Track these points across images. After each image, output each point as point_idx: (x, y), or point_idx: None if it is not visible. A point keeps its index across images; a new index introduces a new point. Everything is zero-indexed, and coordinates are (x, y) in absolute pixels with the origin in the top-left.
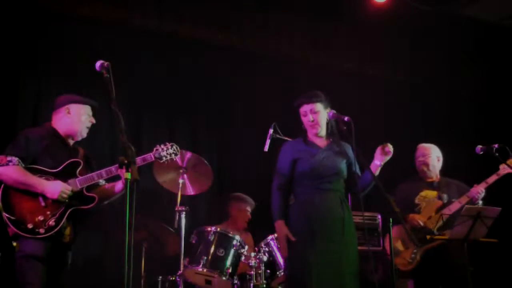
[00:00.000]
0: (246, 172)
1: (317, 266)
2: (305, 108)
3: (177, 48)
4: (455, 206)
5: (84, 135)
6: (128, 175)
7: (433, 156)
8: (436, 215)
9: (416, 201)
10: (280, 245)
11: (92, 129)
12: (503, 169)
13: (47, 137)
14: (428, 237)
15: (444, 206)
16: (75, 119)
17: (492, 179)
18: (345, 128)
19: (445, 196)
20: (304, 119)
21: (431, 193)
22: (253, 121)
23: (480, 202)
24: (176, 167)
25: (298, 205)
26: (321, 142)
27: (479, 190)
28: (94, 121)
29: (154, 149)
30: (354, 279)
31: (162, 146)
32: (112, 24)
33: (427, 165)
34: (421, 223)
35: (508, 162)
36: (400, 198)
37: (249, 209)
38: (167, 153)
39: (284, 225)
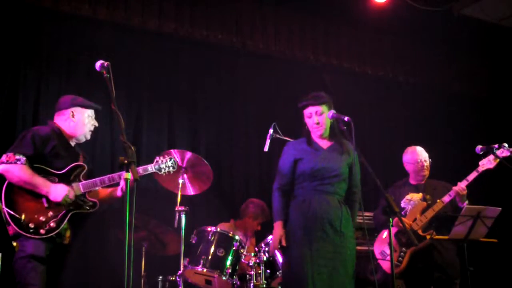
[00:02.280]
0: (246, 172)
1: (312, 266)
2: (310, 110)
3: (177, 48)
4: (438, 206)
5: (88, 137)
6: (128, 175)
7: (428, 159)
8: (421, 216)
9: (402, 204)
10: (272, 244)
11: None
12: (482, 166)
13: (54, 137)
14: (428, 236)
15: (429, 207)
16: (79, 123)
17: (472, 176)
18: (345, 128)
19: (429, 198)
20: (308, 120)
21: (416, 195)
22: (253, 121)
23: (466, 201)
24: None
25: (296, 206)
26: (324, 143)
27: (460, 188)
28: (97, 124)
29: (155, 160)
30: (350, 281)
31: (162, 158)
32: (112, 24)
33: (428, 168)
34: (407, 226)
35: (496, 152)
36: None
37: (261, 221)
38: (166, 166)
39: (281, 227)
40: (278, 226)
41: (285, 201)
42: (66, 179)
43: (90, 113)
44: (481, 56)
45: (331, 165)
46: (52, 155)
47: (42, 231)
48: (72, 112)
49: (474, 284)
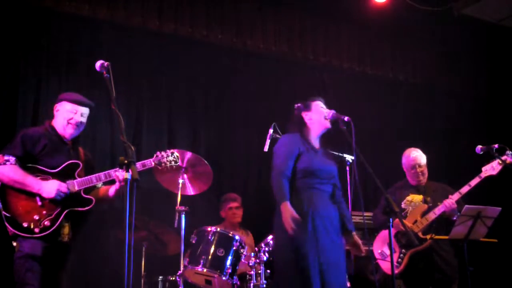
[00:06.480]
0: (246, 172)
1: (321, 265)
2: (321, 103)
3: (177, 48)
4: (440, 209)
5: (71, 132)
6: (128, 175)
7: (425, 162)
8: (422, 219)
9: (403, 205)
10: (286, 225)
11: (92, 129)
12: (485, 172)
13: (46, 136)
14: (428, 237)
15: (429, 210)
16: (60, 117)
17: (474, 182)
18: (345, 128)
19: (430, 200)
20: (321, 110)
21: (417, 197)
22: (253, 121)
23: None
24: (176, 167)
25: (299, 204)
26: (317, 145)
27: (450, 203)
28: (79, 119)
29: (155, 155)
30: (346, 280)
31: (163, 153)
32: (112, 24)
33: (424, 174)
34: (407, 227)
35: (502, 158)
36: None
37: (235, 205)
38: (167, 160)
39: (291, 206)
40: (287, 206)
41: (289, 188)
42: (60, 177)
43: (72, 107)
44: (481, 56)
45: (328, 167)
46: (44, 154)
47: (36, 229)
48: (57, 106)
49: (474, 284)
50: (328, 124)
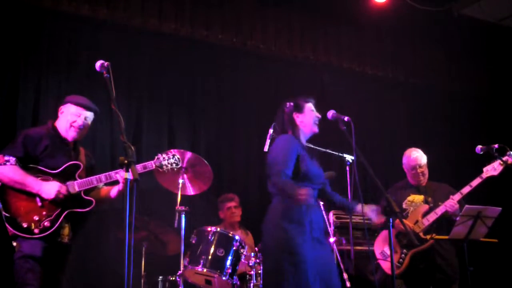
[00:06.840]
0: (246, 172)
1: (317, 268)
2: (313, 105)
3: (177, 48)
4: (441, 210)
5: (73, 135)
6: (128, 175)
7: (426, 163)
8: (423, 219)
9: (404, 205)
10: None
11: (92, 129)
12: (486, 172)
13: (47, 137)
14: (428, 237)
15: (430, 210)
16: (64, 119)
17: (475, 182)
18: (345, 128)
19: (431, 200)
20: (312, 113)
21: (418, 197)
22: (253, 121)
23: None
24: (177, 168)
25: (298, 204)
26: (305, 146)
27: (451, 204)
28: (81, 123)
29: (156, 157)
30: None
31: (164, 155)
32: (112, 24)
33: (424, 174)
34: (407, 228)
35: (503, 159)
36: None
37: (233, 204)
38: (168, 163)
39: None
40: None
41: None
42: (61, 178)
43: (76, 110)
44: (481, 56)
45: (321, 172)
46: (45, 155)
47: (36, 230)
48: (61, 108)
49: (474, 284)
50: (316, 129)
